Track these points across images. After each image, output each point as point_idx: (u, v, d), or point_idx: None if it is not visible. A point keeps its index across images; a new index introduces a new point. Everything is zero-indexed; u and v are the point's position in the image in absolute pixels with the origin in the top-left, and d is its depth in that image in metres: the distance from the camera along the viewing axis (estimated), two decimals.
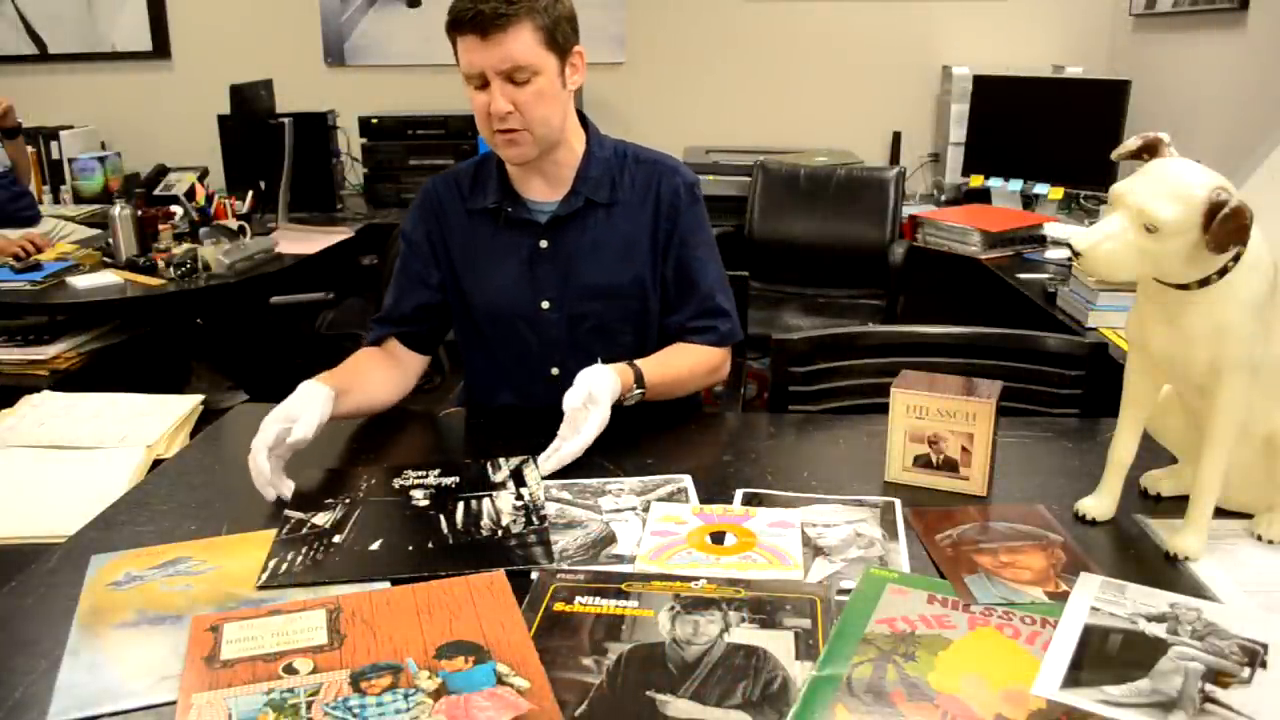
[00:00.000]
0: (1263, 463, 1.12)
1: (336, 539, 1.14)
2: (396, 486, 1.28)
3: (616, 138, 1.64)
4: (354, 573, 1.07)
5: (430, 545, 1.13)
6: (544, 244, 1.57)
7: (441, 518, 1.20)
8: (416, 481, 1.29)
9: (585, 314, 1.58)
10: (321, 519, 1.19)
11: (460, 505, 1.23)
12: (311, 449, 1.32)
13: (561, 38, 1.46)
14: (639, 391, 1.46)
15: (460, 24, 1.41)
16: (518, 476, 1.30)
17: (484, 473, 1.31)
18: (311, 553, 1.11)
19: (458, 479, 1.29)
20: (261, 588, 1.05)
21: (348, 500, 1.24)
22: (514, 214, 1.57)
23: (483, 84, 1.45)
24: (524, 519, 1.19)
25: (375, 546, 1.13)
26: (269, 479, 1.24)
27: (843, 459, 1.39)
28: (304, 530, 1.16)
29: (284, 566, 1.08)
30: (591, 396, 1.36)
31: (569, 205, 1.56)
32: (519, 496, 1.24)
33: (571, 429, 1.35)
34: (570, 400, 1.36)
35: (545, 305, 1.58)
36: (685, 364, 1.57)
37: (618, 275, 1.57)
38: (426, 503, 1.23)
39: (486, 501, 1.23)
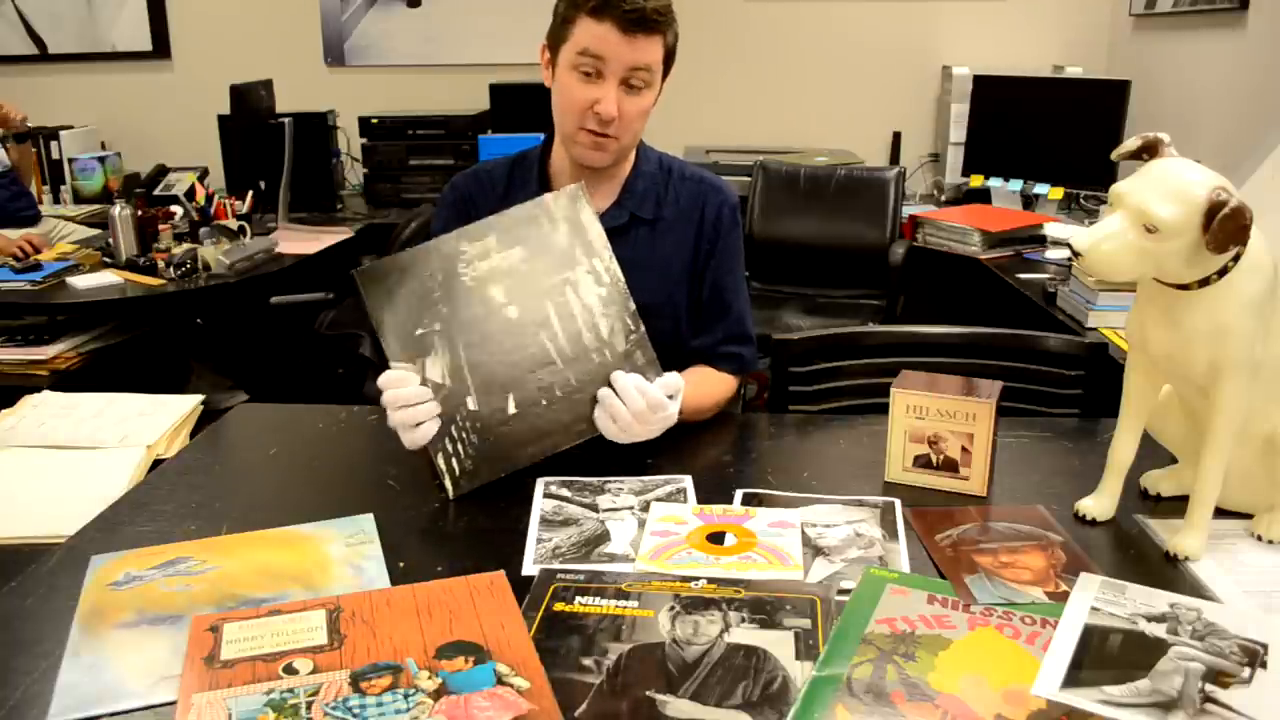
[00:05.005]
0: (1263, 463, 1.12)
1: (470, 404, 1.24)
2: (468, 282, 1.26)
3: (660, 150, 1.60)
4: (526, 451, 1.26)
5: (558, 393, 1.26)
6: None
7: (543, 338, 1.27)
8: (478, 271, 1.26)
9: None
10: (434, 371, 1.23)
11: (551, 310, 1.27)
12: (324, 442, 1.32)
13: (669, 63, 1.46)
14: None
15: (608, 10, 1.32)
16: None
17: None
18: (464, 435, 1.23)
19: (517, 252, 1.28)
20: (458, 498, 1.22)
21: (436, 327, 1.23)
22: None
23: (592, 75, 1.37)
24: (616, 314, 1.29)
25: (511, 409, 1.25)
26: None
27: (843, 459, 1.39)
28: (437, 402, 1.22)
29: (460, 466, 1.23)
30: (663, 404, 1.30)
31: (613, 219, 1.50)
32: (599, 279, 1.29)
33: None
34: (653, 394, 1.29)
35: None
36: (714, 394, 1.53)
37: (654, 295, 1.50)
38: (516, 312, 1.26)
39: (571, 295, 1.27)
